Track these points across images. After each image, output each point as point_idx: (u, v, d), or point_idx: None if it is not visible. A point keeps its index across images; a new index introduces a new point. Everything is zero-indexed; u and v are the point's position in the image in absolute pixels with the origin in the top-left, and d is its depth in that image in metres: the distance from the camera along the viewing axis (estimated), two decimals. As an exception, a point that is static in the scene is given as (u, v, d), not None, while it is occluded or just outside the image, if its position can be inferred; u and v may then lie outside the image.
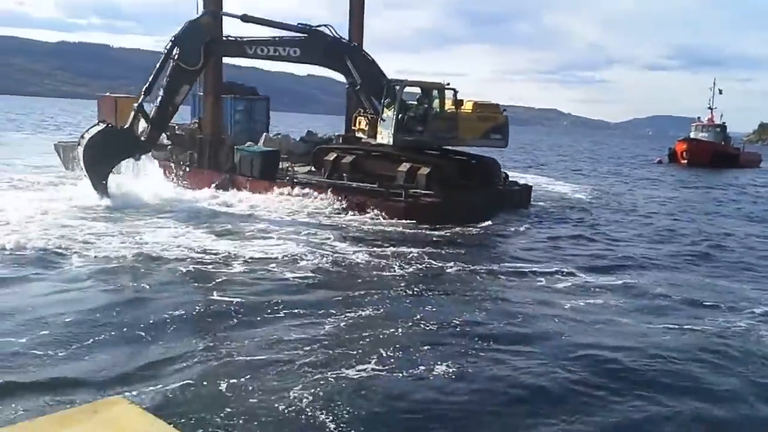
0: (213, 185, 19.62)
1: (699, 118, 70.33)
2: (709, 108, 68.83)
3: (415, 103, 20.02)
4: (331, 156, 19.97)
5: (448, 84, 20.03)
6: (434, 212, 17.78)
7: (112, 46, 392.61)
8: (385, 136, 19.61)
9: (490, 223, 17.98)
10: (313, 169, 20.77)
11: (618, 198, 27.56)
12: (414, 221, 17.22)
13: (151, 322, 8.42)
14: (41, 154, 27.69)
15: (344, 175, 19.60)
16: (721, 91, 68.52)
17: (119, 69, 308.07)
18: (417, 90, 20.28)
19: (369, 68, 20.29)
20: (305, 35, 19.40)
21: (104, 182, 17.35)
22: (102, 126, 17.79)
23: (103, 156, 17.15)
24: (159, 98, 17.94)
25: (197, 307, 9.19)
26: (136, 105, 18.02)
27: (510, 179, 22.88)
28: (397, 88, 19.43)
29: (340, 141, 22.06)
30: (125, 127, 17.87)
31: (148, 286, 10.05)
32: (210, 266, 11.55)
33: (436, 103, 19.88)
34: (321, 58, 19.85)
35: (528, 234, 17.39)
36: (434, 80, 20.96)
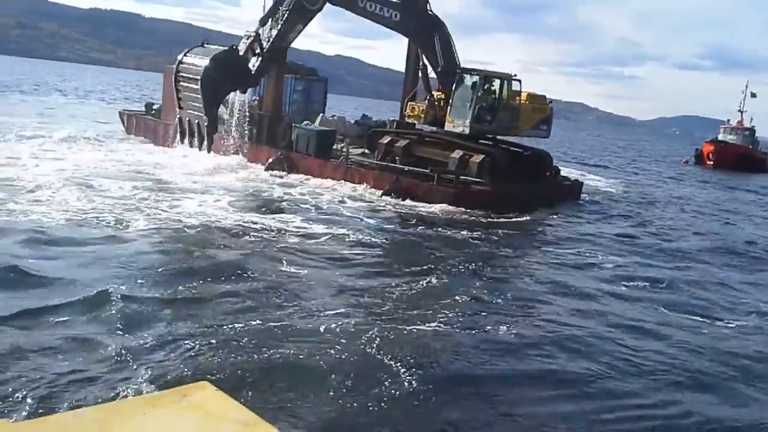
0: (269, 160, 20.43)
1: (728, 120, 70.45)
2: (740, 111, 68.86)
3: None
4: (385, 139, 20.51)
5: (515, 75, 20.54)
6: (484, 200, 18.25)
7: (143, 15, 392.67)
8: (458, 124, 20.12)
9: (539, 213, 18.69)
10: (366, 151, 21.34)
11: (652, 193, 28.87)
12: (463, 208, 17.70)
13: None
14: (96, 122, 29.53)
15: (396, 158, 20.08)
16: (754, 95, 68.42)
17: (148, 39, 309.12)
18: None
19: (449, 51, 20.81)
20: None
21: (215, 110, 18.11)
22: (215, 52, 18.09)
23: (219, 82, 17.83)
24: (275, 31, 18.66)
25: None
26: (250, 33, 18.69)
27: (561, 173, 23.41)
28: (473, 77, 20.10)
29: (394, 126, 22.71)
30: (240, 54, 18.44)
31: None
32: (277, 238, 12.61)
33: (503, 93, 20.53)
34: (414, 28, 20.45)
35: (573, 225, 18.16)
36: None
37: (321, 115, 22.73)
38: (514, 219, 17.67)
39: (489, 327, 8.77)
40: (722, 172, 54.39)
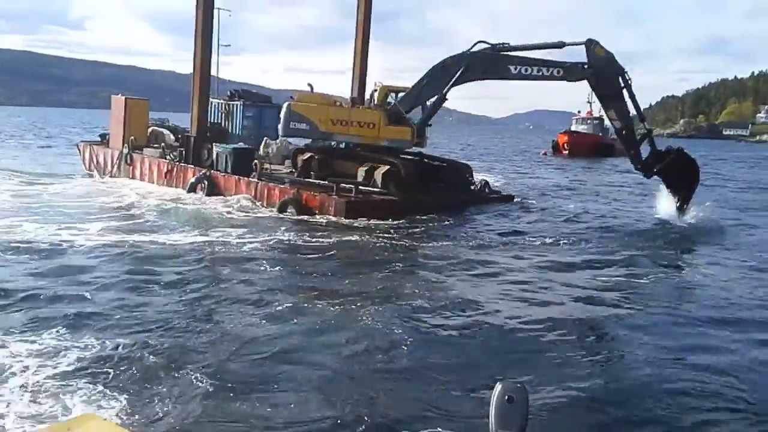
0: (192, 179, 21.24)
1: (579, 112, 76.82)
2: (588, 102, 75.11)
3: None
4: (305, 156, 21.26)
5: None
6: (390, 210, 18.57)
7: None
8: None
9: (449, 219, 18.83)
10: (292, 169, 21.94)
11: (535, 185, 31.86)
12: (363, 218, 17.84)
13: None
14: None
15: (311, 173, 20.65)
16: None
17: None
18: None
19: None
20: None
21: None
22: None
23: None
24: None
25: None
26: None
27: (492, 189, 23.71)
28: None
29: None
30: None
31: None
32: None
33: None
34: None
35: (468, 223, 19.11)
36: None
37: (265, 139, 23.14)
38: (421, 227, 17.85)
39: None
40: (578, 159, 59.47)
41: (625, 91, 19.81)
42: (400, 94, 21.75)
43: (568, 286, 12.06)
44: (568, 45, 20.56)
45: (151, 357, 7.45)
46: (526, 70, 20.33)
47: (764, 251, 16.43)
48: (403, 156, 21.57)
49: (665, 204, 20.12)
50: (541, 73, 20.36)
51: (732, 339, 9.33)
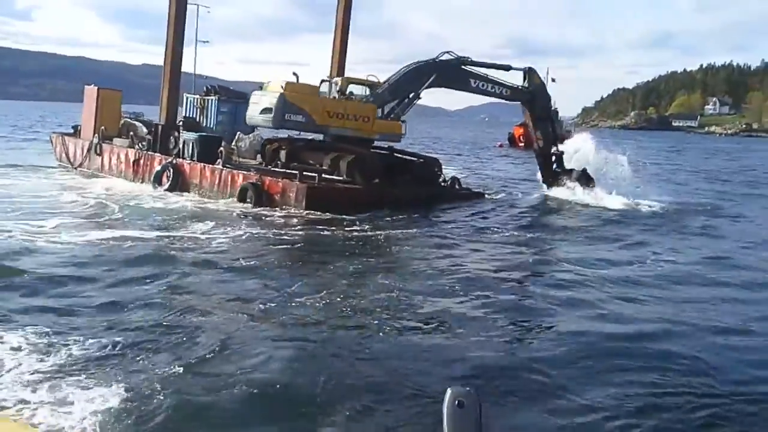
0: (157, 167, 21.24)
1: (534, 104, 78.14)
2: (543, 97, 76.57)
3: None
4: (273, 146, 21.28)
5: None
6: (347, 198, 18.55)
7: None
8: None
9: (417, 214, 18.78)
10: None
11: (495, 176, 33.68)
12: (324, 210, 17.63)
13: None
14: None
15: (278, 163, 20.58)
16: (554, 80, 76.30)
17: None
18: None
19: None
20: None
21: None
22: None
23: None
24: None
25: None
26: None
27: (463, 186, 23.87)
28: None
29: None
30: None
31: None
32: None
33: None
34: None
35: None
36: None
37: (238, 133, 22.98)
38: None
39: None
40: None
41: None
42: (365, 88, 22.11)
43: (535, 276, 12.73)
44: (513, 69, 23.74)
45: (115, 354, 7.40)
46: (483, 86, 23.03)
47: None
48: (372, 149, 21.91)
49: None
50: (494, 90, 23.35)
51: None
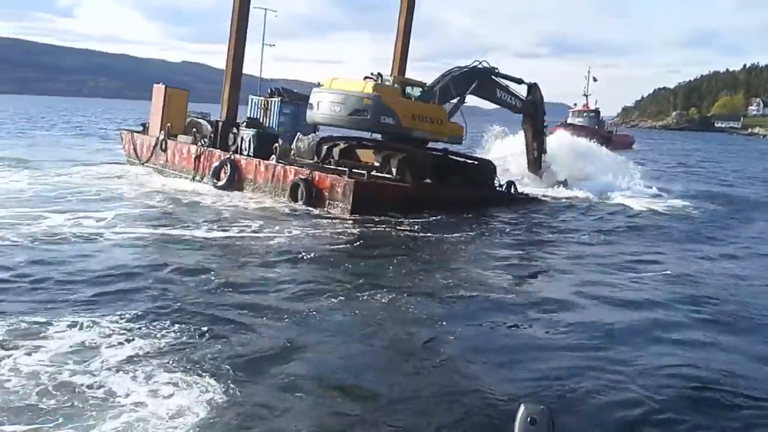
0: (216, 163, 21.61)
1: (575, 104, 77.50)
2: (584, 95, 75.90)
3: None
4: (328, 144, 21.35)
5: None
6: (395, 196, 18.31)
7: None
8: None
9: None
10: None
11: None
12: (372, 212, 17.29)
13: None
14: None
15: (331, 160, 20.64)
16: (596, 79, 75.82)
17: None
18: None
19: None
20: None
21: None
22: None
23: None
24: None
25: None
26: None
27: (519, 191, 23.03)
28: None
29: None
30: None
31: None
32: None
33: None
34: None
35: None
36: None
37: (298, 134, 23.15)
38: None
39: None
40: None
41: None
42: (415, 89, 22.20)
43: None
44: (524, 83, 25.31)
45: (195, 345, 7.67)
46: (504, 97, 24.51)
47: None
48: (426, 149, 22.03)
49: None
50: (510, 102, 24.81)
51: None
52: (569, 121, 73.78)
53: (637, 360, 8.11)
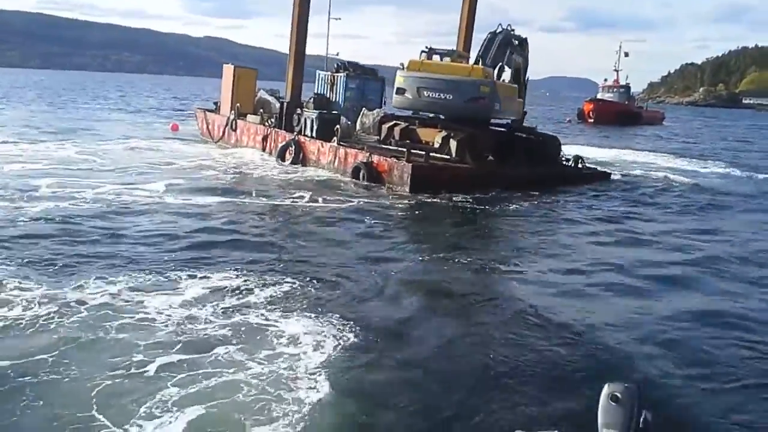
0: (282, 143, 22.35)
1: (606, 80, 77.42)
2: (615, 70, 75.73)
3: None
4: (388, 123, 21.31)
5: None
6: (454, 178, 18.17)
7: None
8: None
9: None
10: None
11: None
12: (428, 190, 17.28)
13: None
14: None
15: (392, 140, 20.57)
16: (627, 54, 75.46)
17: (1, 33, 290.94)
18: None
19: None
20: None
21: None
22: None
23: None
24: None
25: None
26: None
27: (587, 164, 22.80)
28: None
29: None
30: None
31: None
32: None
33: None
34: None
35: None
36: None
37: (363, 110, 23.85)
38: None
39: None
40: (603, 127, 60.42)
41: None
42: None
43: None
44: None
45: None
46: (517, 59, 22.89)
47: None
48: (488, 127, 21.57)
49: None
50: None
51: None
52: (599, 96, 73.89)
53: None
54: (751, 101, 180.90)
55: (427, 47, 21.67)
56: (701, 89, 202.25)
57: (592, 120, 67.86)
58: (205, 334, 7.26)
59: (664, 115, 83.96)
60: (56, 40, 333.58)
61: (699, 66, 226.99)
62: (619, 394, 1.98)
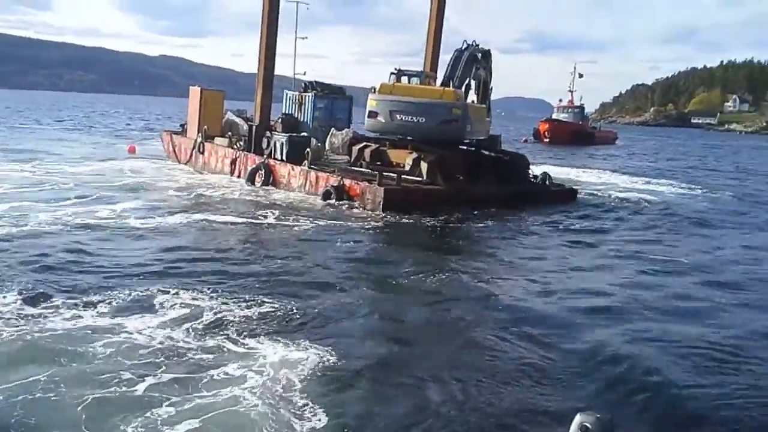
0: (252, 166, 21.95)
1: (560, 100, 78.94)
2: (569, 90, 77.20)
3: None
4: (359, 145, 21.18)
5: None
6: (425, 200, 18.22)
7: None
8: None
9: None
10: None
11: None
12: (401, 212, 17.24)
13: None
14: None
15: (362, 162, 20.46)
16: (581, 75, 77.06)
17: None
18: None
19: None
20: None
21: None
22: None
23: None
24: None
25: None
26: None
27: (555, 182, 23.05)
28: None
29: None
30: None
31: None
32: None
33: None
34: None
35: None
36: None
37: (332, 130, 23.75)
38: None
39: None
40: (558, 147, 61.46)
41: None
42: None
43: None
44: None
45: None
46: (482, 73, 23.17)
47: None
48: (458, 147, 21.67)
49: None
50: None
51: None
52: (554, 116, 75.15)
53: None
54: (699, 120, 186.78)
55: (396, 69, 21.81)
56: (652, 109, 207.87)
57: (547, 140, 68.85)
58: (186, 356, 7.38)
59: (617, 135, 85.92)
60: (9, 58, 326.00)
61: (650, 86, 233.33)
62: (589, 425, 1.90)
